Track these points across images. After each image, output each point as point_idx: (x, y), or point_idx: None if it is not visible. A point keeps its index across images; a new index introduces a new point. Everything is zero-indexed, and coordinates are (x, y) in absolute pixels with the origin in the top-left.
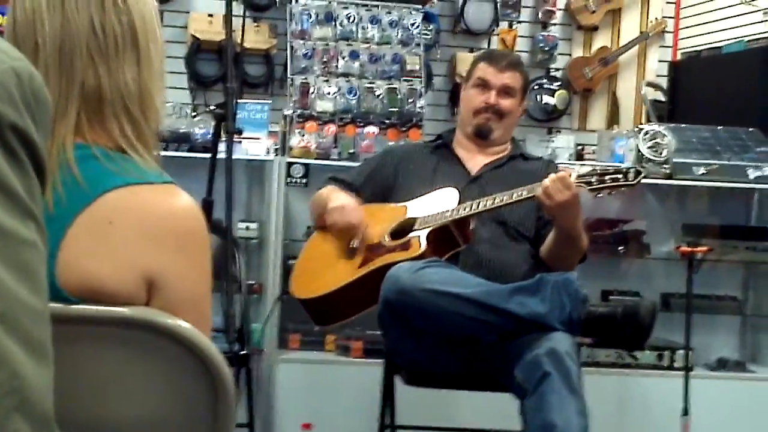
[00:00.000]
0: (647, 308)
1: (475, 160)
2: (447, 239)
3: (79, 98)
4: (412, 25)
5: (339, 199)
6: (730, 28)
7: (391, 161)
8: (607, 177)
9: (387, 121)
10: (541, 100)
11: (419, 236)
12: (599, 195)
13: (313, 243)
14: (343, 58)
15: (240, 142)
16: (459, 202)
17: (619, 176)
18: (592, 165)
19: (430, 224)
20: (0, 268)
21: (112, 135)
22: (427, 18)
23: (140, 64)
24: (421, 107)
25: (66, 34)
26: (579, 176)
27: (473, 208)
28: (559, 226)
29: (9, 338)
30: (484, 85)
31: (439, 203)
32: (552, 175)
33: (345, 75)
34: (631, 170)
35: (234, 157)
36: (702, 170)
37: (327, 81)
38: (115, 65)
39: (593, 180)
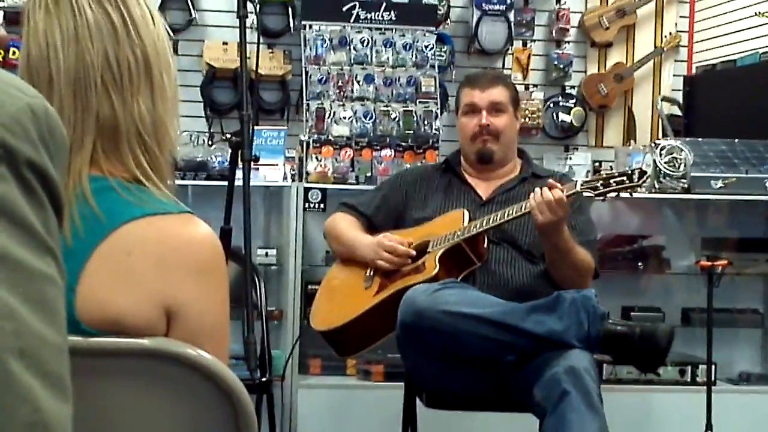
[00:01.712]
0: (664, 331)
1: (486, 185)
2: (460, 259)
3: (95, 130)
4: (426, 47)
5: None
6: (744, 41)
7: (402, 186)
8: (612, 180)
9: (403, 144)
10: (558, 117)
11: (432, 258)
12: (605, 199)
13: (331, 274)
14: (358, 82)
15: (257, 168)
16: (469, 221)
17: (624, 178)
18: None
19: (442, 245)
20: (19, 303)
21: (128, 166)
22: (441, 39)
23: (154, 95)
24: (437, 129)
25: (81, 66)
26: (584, 182)
27: (483, 224)
28: (546, 240)
29: (29, 374)
30: (472, 109)
31: (449, 225)
32: (547, 194)
33: (360, 99)
34: (636, 171)
35: (251, 184)
36: (720, 184)
37: (342, 105)
38: (129, 96)
39: (599, 185)
